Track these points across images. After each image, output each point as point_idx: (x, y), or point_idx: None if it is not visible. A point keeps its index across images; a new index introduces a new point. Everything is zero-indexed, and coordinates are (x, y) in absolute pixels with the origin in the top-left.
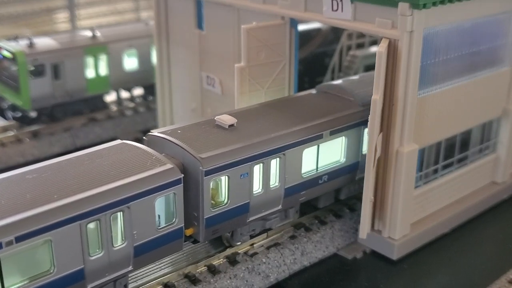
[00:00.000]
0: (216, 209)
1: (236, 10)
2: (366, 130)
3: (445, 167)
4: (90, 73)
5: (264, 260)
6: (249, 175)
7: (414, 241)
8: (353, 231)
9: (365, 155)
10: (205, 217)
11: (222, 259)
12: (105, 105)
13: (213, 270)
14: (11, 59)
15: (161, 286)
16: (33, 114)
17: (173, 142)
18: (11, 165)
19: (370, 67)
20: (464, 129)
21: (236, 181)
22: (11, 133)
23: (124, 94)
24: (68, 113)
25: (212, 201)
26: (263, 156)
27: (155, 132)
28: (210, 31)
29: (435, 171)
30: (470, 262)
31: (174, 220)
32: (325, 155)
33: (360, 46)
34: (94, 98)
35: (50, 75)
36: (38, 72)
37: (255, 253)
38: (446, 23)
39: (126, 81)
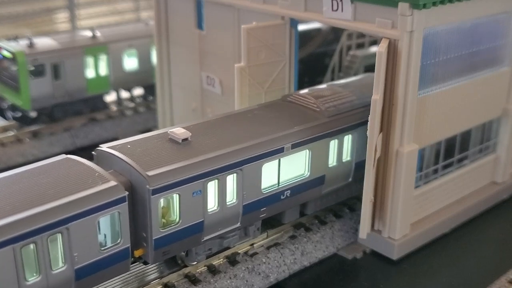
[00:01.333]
0: (167, 229)
1: (236, 10)
2: (332, 143)
3: (445, 167)
4: (90, 73)
5: (264, 260)
6: (203, 192)
7: (414, 241)
8: (353, 231)
9: (332, 168)
10: (153, 238)
11: (222, 259)
12: (105, 105)
13: (213, 270)
14: (11, 59)
15: (161, 286)
16: (33, 114)
17: (121, 158)
18: (11, 165)
19: (370, 67)
20: (464, 129)
21: (188, 199)
22: (11, 133)
23: (124, 94)
24: (68, 113)
25: (164, 220)
26: (218, 172)
27: (104, 147)
28: (210, 31)
29: (435, 171)
30: (470, 262)
31: (119, 241)
32: (288, 169)
33: (360, 46)
34: (94, 98)
35: (50, 75)
36: (38, 72)
37: (255, 253)
38: (446, 23)
39: (126, 81)
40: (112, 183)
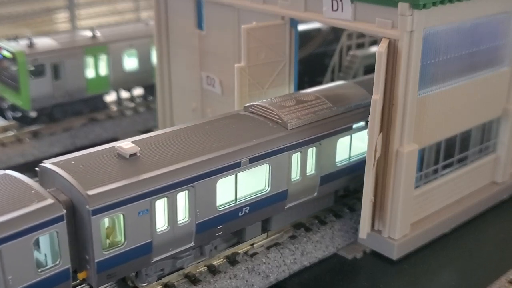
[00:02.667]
0: (111, 250)
1: (236, 10)
2: (295, 156)
3: (445, 167)
4: (90, 73)
5: (264, 260)
6: (150, 211)
7: (414, 241)
8: (353, 231)
9: (294, 182)
10: (96, 261)
11: (222, 259)
12: (105, 105)
13: (213, 270)
14: (11, 59)
15: (161, 286)
16: (33, 114)
17: (62, 176)
18: (11, 165)
19: (370, 67)
20: (464, 129)
21: (133, 219)
22: (11, 133)
23: (124, 94)
24: (68, 113)
25: (109, 241)
26: (167, 190)
27: (47, 163)
28: (210, 31)
29: (435, 171)
30: (470, 262)
31: (58, 261)
32: (246, 184)
33: (360, 46)
34: (94, 98)
35: (50, 75)
36: (38, 72)
37: (255, 253)
38: (446, 23)
39: (126, 81)
40: (49, 201)
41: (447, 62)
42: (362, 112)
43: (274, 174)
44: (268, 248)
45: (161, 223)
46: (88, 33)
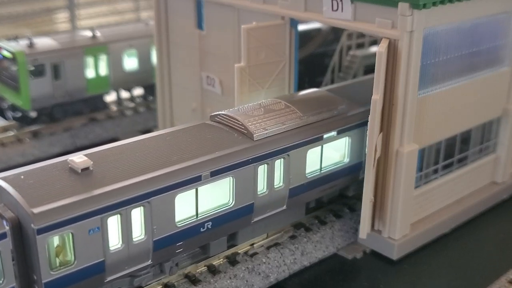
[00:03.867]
0: (60, 270)
1: (236, 10)
2: (261, 168)
3: (445, 167)
4: (90, 73)
5: (264, 260)
6: (102, 229)
7: (414, 241)
8: (353, 231)
9: (261, 196)
10: (43, 281)
11: (222, 259)
12: (105, 105)
13: (213, 270)
14: (11, 59)
15: (161, 286)
16: (33, 114)
17: (8, 192)
18: (11, 165)
19: (370, 67)
20: (464, 129)
21: (83, 238)
22: (11, 133)
23: (124, 94)
24: (68, 113)
25: (59, 260)
26: (120, 206)
27: None
28: (210, 31)
29: (435, 171)
30: (470, 262)
31: (2, 281)
32: (207, 199)
33: (360, 46)
34: (94, 98)
35: (50, 75)
36: (38, 72)
37: (255, 253)
38: (446, 23)
39: (126, 81)
40: None
41: (447, 62)
42: (333, 122)
43: (238, 187)
44: (268, 248)
45: (115, 241)
46: (88, 33)
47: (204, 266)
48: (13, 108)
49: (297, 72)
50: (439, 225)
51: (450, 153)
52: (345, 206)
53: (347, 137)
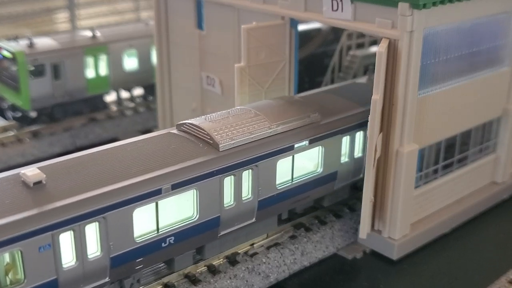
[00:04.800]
0: None
1: (236, 10)
2: (227, 180)
3: (445, 167)
4: (90, 73)
5: (264, 260)
6: (53, 246)
7: (414, 241)
8: (353, 231)
9: (228, 208)
10: None
11: (222, 259)
12: (105, 105)
13: (213, 270)
14: (11, 59)
15: (161, 286)
16: (33, 114)
17: None
18: (11, 165)
19: (370, 67)
20: (464, 129)
21: (33, 255)
22: (11, 133)
23: (124, 94)
24: (68, 113)
25: (9, 278)
26: (73, 222)
27: None
28: (210, 31)
29: (435, 171)
30: (470, 262)
31: None
32: (170, 213)
33: (360, 46)
34: (94, 98)
35: (50, 75)
36: (38, 72)
37: (255, 253)
38: (446, 23)
39: (126, 81)
40: None
41: (447, 62)
42: (305, 131)
43: (203, 200)
44: (268, 248)
45: (68, 258)
46: (88, 33)
47: (204, 266)
48: (13, 108)
49: (297, 72)
50: (439, 225)
51: (450, 153)
52: (345, 206)
53: (320, 147)
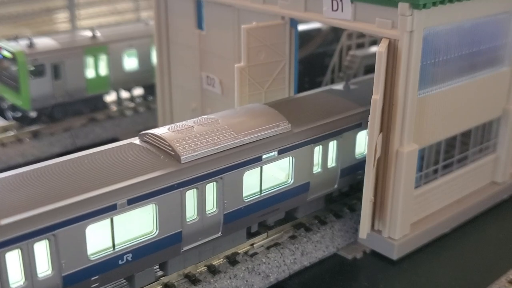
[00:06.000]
0: None
1: (236, 10)
2: (190, 193)
3: (445, 167)
4: (90, 73)
5: (264, 260)
6: (0, 265)
7: (414, 241)
8: (353, 231)
9: (190, 223)
10: None
11: (222, 259)
12: (105, 105)
13: (213, 270)
14: (11, 59)
15: (161, 286)
16: (33, 114)
17: None
18: (11, 165)
19: (370, 67)
20: (464, 129)
21: None
22: (11, 133)
23: (124, 94)
24: (68, 113)
25: None
26: (20, 240)
27: None
28: (210, 31)
29: (435, 171)
30: (470, 262)
31: None
32: (126, 229)
33: (360, 46)
34: (94, 98)
35: (50, 75)
36: (38, 72)
37: (255, 253)
38: (446, 23)
39: (126, 81)
40: None
41: (447, 62)
42: (274, 141)
43: (163, 215)
44: (268, 248)
45: (16, 277)
46: (88, 33)
47: (204, 266)
48: (13, 108)
49: (297, 72)
50: (439, 225)
51: (450, 153)
52: (345, 206)
53: (290, 157)
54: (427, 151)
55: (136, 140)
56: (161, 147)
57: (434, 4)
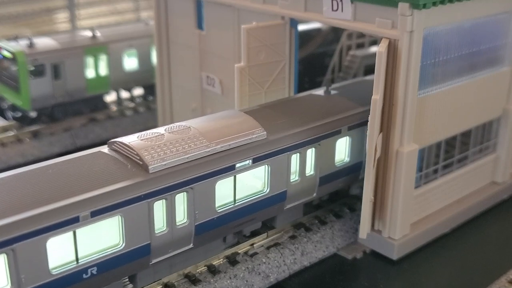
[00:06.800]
0: None
1: (236, 10)
2: (158, 204)
3: (445, 167)
4: (90, 73)
5: (264, 260)
6: None
7: (414, 241)
8: (353, 231)
9: (159, 235)
10: None
11: (222, 259)
12: (105, 105)
13: (213, 270)
14: (11, 59)
15: (161, 286)
16: (33, 114)
17: None
18: (11, 165)
19: (370, 67)
20: (464, 129)
21: None
22: (11, 133)
23: (124, 94)
24: (68, 113)
25: None
26: None
27: None
28: (210, 31)
29: (435, 171)
30: (470, 262)
31: None
32: (90, 242)
33: (360, 46)
34: (94, 98)
35: (50, 75)
36: (38, 72)
37: (255, 253)
38: (446, 23)
39: (126, 81)
40: None
41: (447, 62)
42: (248, 149)
43: (129, 227)
44: (268, 248)
45: None
46: (88, 33)
47: (204, 266)
48: (13, 108)
49: (297, 72)
50: (439, 225)
51: (450, 153)
52: (345, 206)
53: (266, 165)
54: (427, 151)
55: (104, 149)
56: (129, 156)
57: (434, 4)
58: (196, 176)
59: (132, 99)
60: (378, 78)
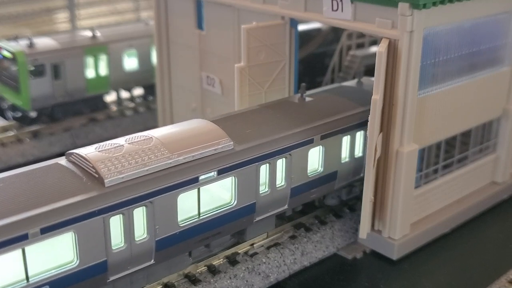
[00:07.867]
0: None
1: (236, 10)
2: (114, 219)
3: (445, 167)
4: (90, 73)
5: (264, 260)
6: None
7: (414, 241)
8: (353, 231)
9: (117, 252)
10: None
11: (222, 259)
12: (105, 105)
13: (213, 270)
14: (11, 59)
15: (161, 286)
16: (33, 114)
17: None
18: (11, 165)
19: (370, 67)
20: (464, 129)
21: None
22: (11, 133)
23: (124, 94)
24: (68, 113)
25: None
26: None
27: None
28: (210, 31)
29: (435, 171)
30: (470, 262)
31: None
32: (40, 260)
33: (360, 46)
34: (94, 98)
35: (50, 75)
36: (38, 72)
37: (255, 253)
38: (446, 23)
39: (126, 81)
40: None
41: (447, 62)
42: (213, 160)
43: (84, 243)
44: (268, 248)
45: None
46: (88, 33)
47: (204, 266)
48: (13, 108)
49: (297, 72)
50: (439, 225)
51: (450, 153)
52: (345, 206)
53: (233, 177)
54: (427, 151)
55: (62, 160)
56: (85, 168)
57: (434, 4)
58: (156, 189)
59: (132, 99)
60: (378, 78)
